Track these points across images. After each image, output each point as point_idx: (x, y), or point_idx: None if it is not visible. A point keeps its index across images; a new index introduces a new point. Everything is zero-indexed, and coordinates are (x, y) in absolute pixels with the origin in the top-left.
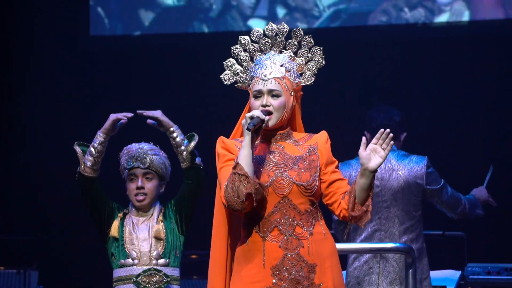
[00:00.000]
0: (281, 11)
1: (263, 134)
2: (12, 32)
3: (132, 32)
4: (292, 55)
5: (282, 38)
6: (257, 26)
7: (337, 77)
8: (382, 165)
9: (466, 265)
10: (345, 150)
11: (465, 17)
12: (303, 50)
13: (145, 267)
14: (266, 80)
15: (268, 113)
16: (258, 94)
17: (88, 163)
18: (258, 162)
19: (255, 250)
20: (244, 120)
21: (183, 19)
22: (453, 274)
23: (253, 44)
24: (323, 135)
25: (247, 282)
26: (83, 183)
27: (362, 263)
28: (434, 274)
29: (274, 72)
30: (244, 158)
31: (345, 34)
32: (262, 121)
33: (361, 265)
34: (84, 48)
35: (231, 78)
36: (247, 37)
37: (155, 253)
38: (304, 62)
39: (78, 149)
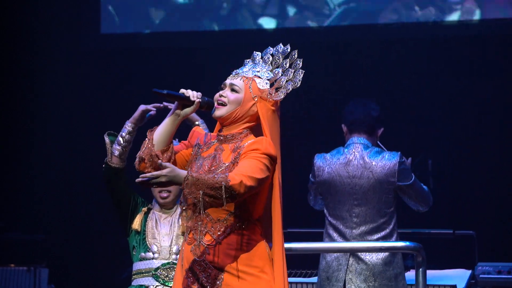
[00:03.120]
0: (291, 10)
1: (219, 134)
2: (23, 29)
3: (142, 30)
4: (280, 71)
5: (281, 60)
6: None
7: (346, 75)
8: (354, 162)
9: (477, 264)
10: None
11: (476, 15)
12: (289, 71)
13: (164, 261)
14: (234, 75)
15: (219, 103)
16: (223, 86)
17: (116, 153)
18: (197, 163)
19: (182, 250)
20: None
21: (193, 17)
22: (464, 273)
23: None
24: (251, 140)
25: (176, 277)
26: (108, 173)
27: (333, 258)
28: (445, 273)
29: (246, 72)
30: (161, 126)
31: (355, 32)
32: (187, 100)
33: (331, 261)
34: (95, 45)
35: None
36: (259, 54)
37: (175, 248)
38: (284, 80)
39: (107, 139)
